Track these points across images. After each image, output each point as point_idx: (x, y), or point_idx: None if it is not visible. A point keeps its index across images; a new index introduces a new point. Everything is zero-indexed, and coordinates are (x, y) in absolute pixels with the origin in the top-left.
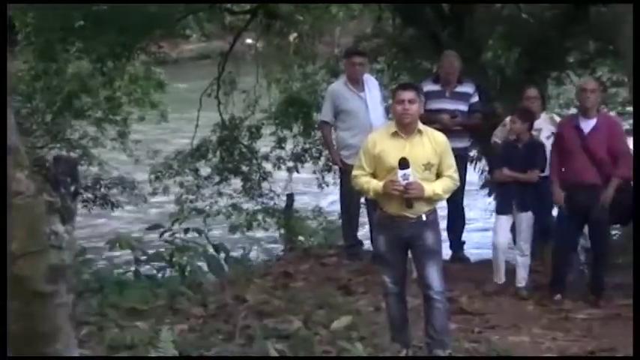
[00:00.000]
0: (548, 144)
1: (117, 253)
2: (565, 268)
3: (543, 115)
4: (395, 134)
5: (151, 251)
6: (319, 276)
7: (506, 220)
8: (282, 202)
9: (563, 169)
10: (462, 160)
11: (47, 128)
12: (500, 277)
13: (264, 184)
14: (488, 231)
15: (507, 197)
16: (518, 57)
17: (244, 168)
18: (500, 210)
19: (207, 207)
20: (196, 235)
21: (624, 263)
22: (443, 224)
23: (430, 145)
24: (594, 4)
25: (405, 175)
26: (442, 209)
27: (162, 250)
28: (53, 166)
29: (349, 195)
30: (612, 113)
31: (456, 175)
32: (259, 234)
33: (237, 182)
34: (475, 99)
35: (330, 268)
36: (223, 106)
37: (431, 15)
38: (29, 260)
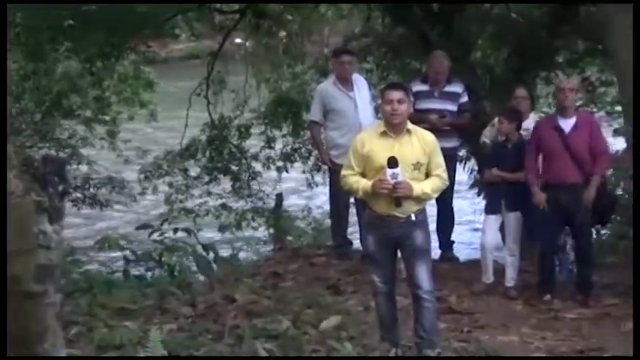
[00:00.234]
0: None
1: (112, 254)
2: (552, 268)
3: (532, 115)
4: (384, 134)
5: (140, 251)
6: (308, 276)
7: (494, 220)
8: (271, 202)
9: (541, 170)
10: (451, 160)
11: (36, 128)
12: (489, 277)
13: (254, 184)
14: (478, 231)
15: (496, 197)
16: (507, 56)
17: (234, 168)
18: (489, 210)
19: (197, 207)
20: (185, 234)
21: (612, 263)
22: (432, 224)
23: (419, 144)
24: (583, 4)
25: (393, 174)
26: (432, 209)
27: (151, 249)
28: (41, 166)
29: (338, 195)
30: (602, 113)
31: (445, 175)
32: (248, 234)
33: (226, 182)
34: (464, 99)
35: (319, 267)
36: (212, 106)
37: (420, 14)
38: (18, 260)
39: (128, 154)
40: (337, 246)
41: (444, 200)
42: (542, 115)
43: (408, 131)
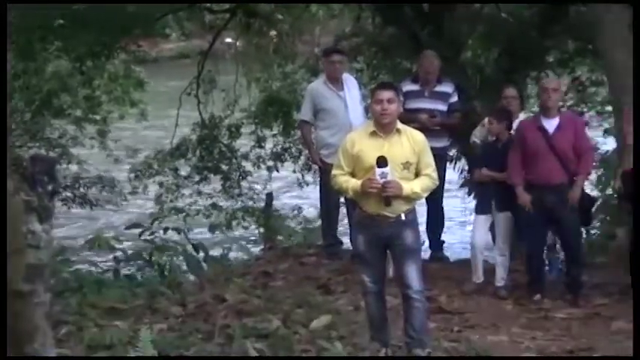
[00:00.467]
0: None
1: (103, 254)
2: (541, 268)
3: (522, 115)
4: (373, 134)
5: (130, 251)
6: (298, 275)
7: (484, 220)
8: (261, 202)
9: (525, 171)
10: (441, 159)
11: (26, 127)
12: (479, 277)
13: (244, 184)
14: (468, 230)
15: (486, 197)
16: (497, 56)
17: (224, 167)
18: (479, 210)
19: (187, 206)
20: (176, 234)
21: (602, 263)
22: (422, 224)
23: (409, 144)
24: (573, 4)
25: (382, 173)
26: (422, 209)
27: (142, 249)
28: (30, 165)
29: (329, 194)
30: (592, 112)
31: (435, 174)
32: (239, 233)
33: (216, 181)
34: (454, 99)
35: (309, 267)
36: (203, 105)
37: (410, 14)
38: (8, 259)
39: (118, 154)
40: (327, 245)
41: (434, 200)
42: (532, 114)
43: (398, 131)
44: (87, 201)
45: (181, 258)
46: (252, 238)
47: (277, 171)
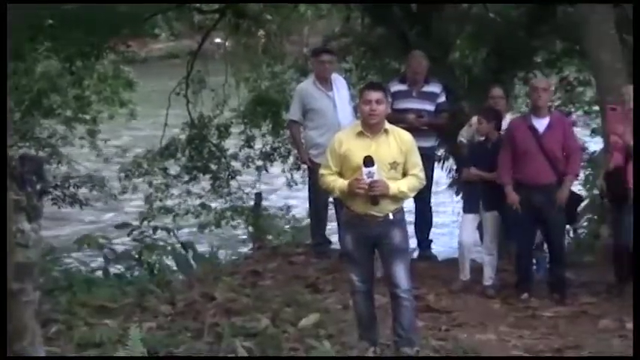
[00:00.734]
0: None
1: (93, 252)
2: (529, 267)
3: (508, 116)
4: (361, 133)
5: (120, 249)
6: (287, 274)
7: (472, 219)
8: (250, 201)
9: (514, 171)
10: (428, 159)
11: (16, 127)
12: (466, 274)
13: (233, 183)
14: (456, 229)
15: (474, 196)
16: (485, 56)
17: (213, 167)
18: (467, 209)
19: (176, 206)
20: (165, 233)
21: (589, 262)
22: (411, 224)
23: (396, 143)
24: (561, 4)
25: (369, 172)
26: (410, 208)
27: (131, 248)
28: (19, 165)
29: (318, 194)
30: (579, 112)
31: (422, 174)
32: (228, 232)
33: (206, 181)
34: (442, 99)
35: (298, 266)
36: (192, 105)
37: (399, 14)
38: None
39: (108, 153)
40: (316, 245)
41: (422, 199)
42: (519, 115)
43: (386, 131)
44: (77, 200)
45: (171, 257)
46: (242, 237)
47: (266, 171)
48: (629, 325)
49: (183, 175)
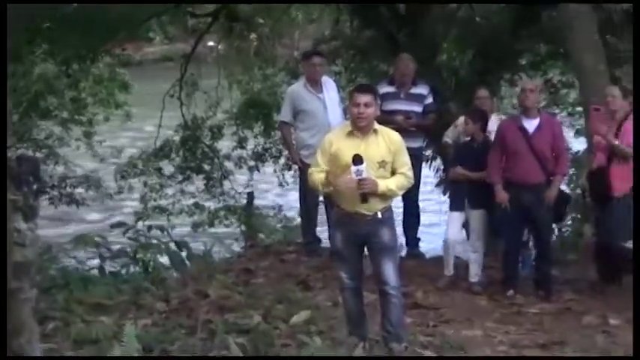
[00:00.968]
0: None
1: (89, 251)
2: (516, 265)
3: (493, 117)
4: (351, 133)
5: (115, 248)
6: (279, 272)
7: (458, 217)
8: (243, 201)
9: (504, 170)
10: (416, 159)
11: (14, 129)
12: (450, 270)
13: (226, 183)
14: (443, 228)
15: (460, 195)
16: (471, 59)
17: (206, 167)
18: (453, 207)
19: (171, 205)
20: (159, 232)
21: (573, 260)
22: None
23: (385, 143)
24: (545, 9)
25: (358, 170)
26: (398, 207)
27: (126, 247)
28: (16, 166)
29: (308, 193)
30: (563, 114)
31: (410, 173)
32: (221, 231)
33: (199, 181)
34: (429, 100)
35: (289, 264)
36: (186, 107)
37: (387, 16)
38: None
39: (104, 154)
40: (307, 243)
41: (410, 198)
42: (504, 116)
43: (375, 131)
44: (73, 200)
45: (165, 255)
46: (234, 236)
47: (258, 171)
48: (613, 322)
49: (177, 176)
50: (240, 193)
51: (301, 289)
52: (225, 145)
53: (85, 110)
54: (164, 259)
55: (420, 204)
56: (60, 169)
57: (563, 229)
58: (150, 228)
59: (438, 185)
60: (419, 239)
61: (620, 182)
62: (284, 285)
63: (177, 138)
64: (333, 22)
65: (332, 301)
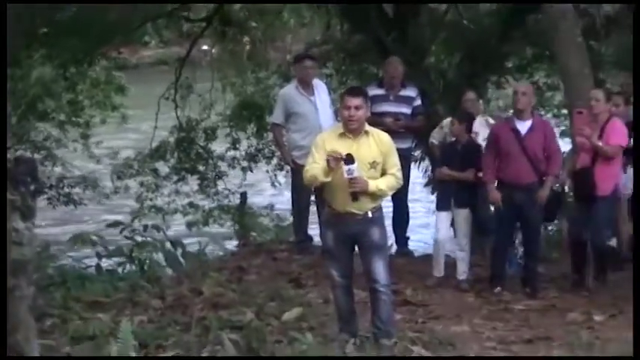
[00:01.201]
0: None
1: (87, 250)
2: (504, 263)
3: (479, 118)
4: (343, 135)
5: (112, 246)
6: (271, 270)
7: (445, 216)
8: (236, 200)
9: (497, 170)
10: (405, 160)
11: (13, 131)
12: (440, 271)
13: (220, 183)
14: (432, 227)
15: (447, 194)
16: (459, 62)
17: (201, 168)
18: (441, 207)
19: (166, 205)
20: (155, 231)
21: (557, 258)
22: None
23: (375, 144)
24: (531, 12)
25: (349, 170)
26: (388, 207)
27: (123, 245)
28: (14, 166)
29: (300, 193)
30: (548, 115)
31: (400, 174)
32: (215, 230)
33: (194, 181)
34: (418, 102)
35: (281, 262)
36: (180, 109)
37: (376, 20)
38: None
39: (101, 155)
40: (299, 242)
41: (400, 198)
42: (490, 117)
43: (366, 132)
44: (71, 200)
45: (160, 254)
46: (228, 235)
47: (251, 171)
48: (597, 318)
49: (172, 176)
50: (233, 193)
51: (293, 286)
52: (219, 146)
53: (82, 113)
54: (159, 258)
55: (409, 204)
56: (58, 170)
57: (549, 228)
58: (146, 227)
59: (426, 185)
60: (408, 238)
61: (605, 182)
62: (276, 282)
63: (172, 139)
64: (324, 26)
65: (323, 298)
